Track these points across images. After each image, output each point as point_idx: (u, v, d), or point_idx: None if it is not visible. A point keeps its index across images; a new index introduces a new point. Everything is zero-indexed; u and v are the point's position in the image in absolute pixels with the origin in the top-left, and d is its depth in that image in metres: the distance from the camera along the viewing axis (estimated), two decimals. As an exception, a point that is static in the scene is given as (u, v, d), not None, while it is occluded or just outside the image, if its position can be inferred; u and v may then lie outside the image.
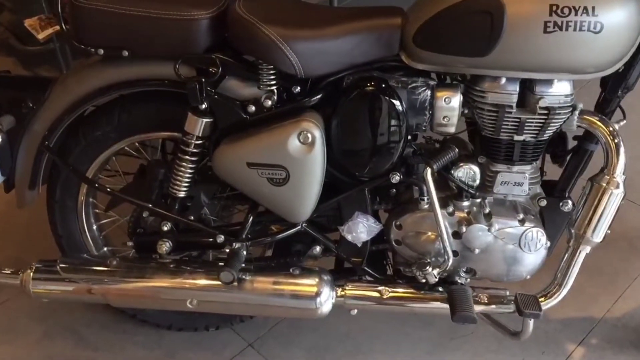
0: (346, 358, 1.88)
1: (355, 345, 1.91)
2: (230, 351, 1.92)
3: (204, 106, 1.52)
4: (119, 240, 1.92)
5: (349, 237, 1.65)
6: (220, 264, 1.66)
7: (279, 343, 1.94)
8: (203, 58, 1.51)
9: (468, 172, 1.60)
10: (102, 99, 1.62)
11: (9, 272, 1.71)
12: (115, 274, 1.65)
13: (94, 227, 1.87)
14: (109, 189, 1.69)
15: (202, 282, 1.62)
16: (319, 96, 1.55)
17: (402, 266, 1.75)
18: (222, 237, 1.64)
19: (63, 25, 1.53)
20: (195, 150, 1.60)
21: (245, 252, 1.61)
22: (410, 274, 1.73)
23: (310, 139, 1.47)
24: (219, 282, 1.60)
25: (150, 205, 1.66)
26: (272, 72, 1.52)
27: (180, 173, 1.62)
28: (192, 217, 1.69)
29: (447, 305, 1.59)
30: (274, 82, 1.54)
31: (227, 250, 1.66)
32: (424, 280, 1.63)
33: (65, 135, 1.69)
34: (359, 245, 1.67)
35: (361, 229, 1.64)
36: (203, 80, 1.49)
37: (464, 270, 1.65)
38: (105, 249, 1.90)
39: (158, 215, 1.69)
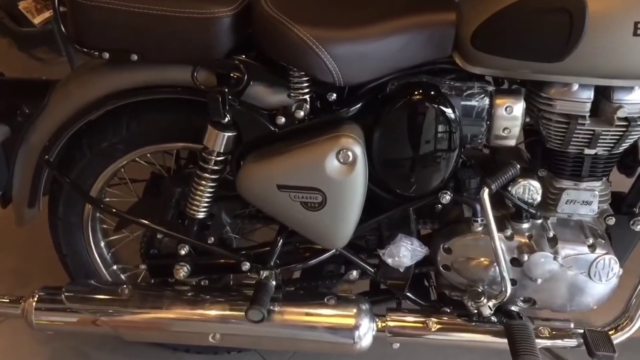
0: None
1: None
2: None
3: (226, 119, 1.31)
4: (130, 257, 1.75)
5: (390, 262, 1.46)
6: (245, 291, 1.48)
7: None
8: (225, 64, 1.29)
9: (528, 189, 1.40)
10: (108, 107, 1.41)
11: (7, 300, 1.53)
12: (127, 305, 1.46)
13: (102, 243, 1.68)
14: (118, 211, 1.48)
15: (226, 313, 1.43)
16: (358, 105, 1.34)
17: (448, 289, 1.56)
18: (248, 264, 1.45)
19: (62, 26, 1.31)
20: (216, 167, 1.39)
21: (274, 283, 1.42)
22: (457, 297, 1.55)
23: (350, 158, 1.27)
24: (242, 313, 1.41)
25: (164, 229, 1.46)
26: (304, 78, 1.31)
27: (199, 192, 1.42)
28: (212, 239, 1.50)
29: (503, 340, 1.40)
30: (306, 90, 1.32)
31: (253, 275, 1.47)
32: (475, 311, 1.45)
33: (66, 147, 1.49)
34: (401, 270, 1.48)
35: (404, 253, 1.44)
36: (226, 90, 1.28)
37: (521, 299, 1.46)
38: (114, 267, 1.72)
39: (174, 239, 1.49)
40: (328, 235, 1.36)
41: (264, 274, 1.43)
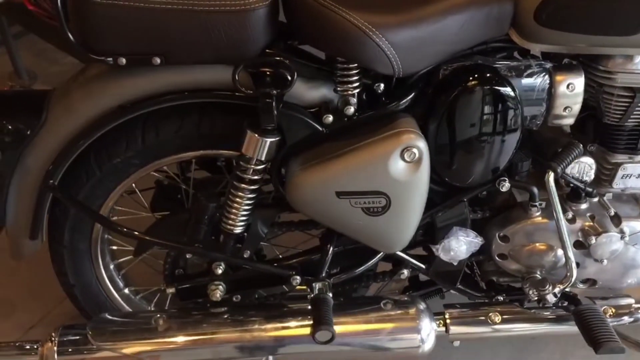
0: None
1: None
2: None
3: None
4: (137, 277, 1.58)
5: (444, 257, 1.37)
6: (290, 304, 1.35)
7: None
8: (270, 62, 1.13)
9: (583, 167, 1.33)
10: (124, 119, 1.22)
11: (20, 347, 1.33)
12: (166, 336, 1.30)
13: (111, 266, 1.50)
14: (144, 236, 1.31)
15: (280, 334, 1.30)
16: (410, 96, 1.21)
17: (496, 276, 1.49)
18: (298, 278, 1.32)
19: (67, 30, 1.10)
20: (255, 177, 1.24)
21: (331, 295, 1.29)
22: (506, 283, 1.49)
23: (416, 156, 1.15)
24: (302, 332, 1.29)
25: (201, 250, 1.30)
26: (354, 70, 1.17)
27: (236, 205, 1.27)
28: (248, 252, 1.36)
29: (570, 326, 1.35)
30: (356, 83, 1.19)
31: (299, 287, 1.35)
32: (535, 298, 1.38)
33: (70, 165, 1.29)
34: (455, 264, 1.39)
35: (461, 246, 1.35)
36: (275, 92, 1.12)
37: (580, 281, 1.41)
38: (126, 290, 1.54)
39: (209, 258, 1.34)
40: (389, 239, 1.25)
41: (317, 286, 1.30)
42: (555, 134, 1.39)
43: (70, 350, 1.31)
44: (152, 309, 1.58)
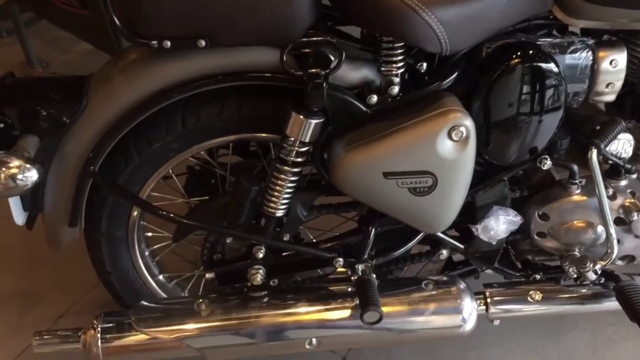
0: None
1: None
2: (322, 368, 1.63)
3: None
4: (171, 265, 1.58)
5: (484, 237, 1.37)
6: (331, 287, 1.35)
7: (374, 351, 1.66)
8: (315, 42, 1.12)
9: (622, 144, 1.33)
10: (167, 102, 1.21)
11: (63, 334, 1.32)
12: (210, 321, 1.30)
13: (147, 253, 1.50)
14: (192, 222, 1.30)
15: (323, 316, 1.30)
16: (454, 75, 1.21)
17: (531, 255, 1.49)
18: (341, 260, 1.32)
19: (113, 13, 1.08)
20: (298, 159, 1.23)
21: (374, 276, 1.29)
22: (541, 262, 1.49)
23: (464, 134, 1.14)
24: (345, 314, 1.29)
25: (244, 234, 1.30)
26: (399, 50, 1.17)
27: (278, 188, 1.26)
28: (287, 236, 1.35)
29: (610, 304, 1.36)
30: (401, 62, 1.18)
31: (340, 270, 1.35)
32: (575, 276, 1.39)
33: (108, 152, 1.28)
34: (494, 243, 1.39)
35: (501, 226, 1.35)
36: (324, 73, 1.11)
37: (619, 258, 1.41)
38: (161, 276, 1.54)
39: (252, 241, 1.33)
40: (433, 219, 1.25)
41: (360, 267, 1.30)
42: (592, 111, 1.39)
43: (113, 336, 1.30)
44: (186, 294, 1.57)
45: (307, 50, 1.13)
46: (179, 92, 1.19)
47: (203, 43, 1.10)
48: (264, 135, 1.30)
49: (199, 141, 1.29)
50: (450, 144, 1.15)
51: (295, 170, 1.25)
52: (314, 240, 1.42)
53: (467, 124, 1.14)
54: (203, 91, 1.21)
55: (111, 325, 1.31)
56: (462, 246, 1.41)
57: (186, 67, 1.18)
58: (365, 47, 1.19)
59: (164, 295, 1.53)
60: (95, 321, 1.32)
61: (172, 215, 1.27)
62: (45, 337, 1.33)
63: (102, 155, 1.25)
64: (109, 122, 1.23)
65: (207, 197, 1.42)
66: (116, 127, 1.22)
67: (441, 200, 1.21)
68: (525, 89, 1.20)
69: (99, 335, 1.30)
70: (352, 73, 1.20)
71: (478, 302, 1.38)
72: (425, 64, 1.21)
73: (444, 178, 1.18)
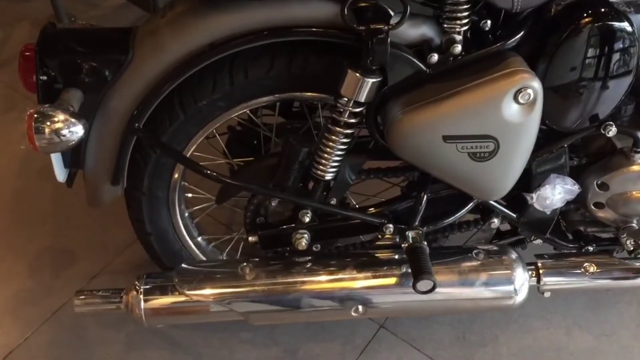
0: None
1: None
2: (361, 337, 1.59)
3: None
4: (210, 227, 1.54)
5: (539, 206, 1.32)
6: (378, 254, 1.31)
7: (413, 319, 1.63)
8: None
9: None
10: (214, 58, 1.16)
11: (106, 294, 1.30)
12: (254, 285, 1.26)
13: (186, 214, 1.46)
14: (237, 182, 1.26)
15: (370, 282, 1.27)
16: (520, 34, 1.14)
17: (583, 226, 1.44)
18: (391, 227, 1.27)
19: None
20: (351, 120, 1.18)
21: (425, 243, 1.25)
22: (593, 233, 1.44)
23: (531, 97, 1.08)
24: (394, 281, 1.25)
25: (292, 197, 1.25)
26: (463, 4, 1.10)
27: (329, 150, 1.21)
28: (334, 200, 1.31)
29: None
30: (465, 20, 1.11)
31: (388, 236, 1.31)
32: (631, 248, 1.34)
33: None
34: (548, 213, 1.34)
35: (558, 195, 1.30)
36: (387, 28, 1.05)
37: (677, 230, 1.36)
38: (200, 238, 1.50)
39: (300, 204, 1.29)
40: (491, 186, 1.20)
41: (410, 235, 1.26)
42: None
43: (155, 297, 1.27)
44: (225, 257, 1.54)
45: (367, 5, 1.07)
46: (229, 47, 1.14)
47: (254, -6, 1.05)
48: (314, 94, 1.24)
49: (246, 99, 1.24)
50: (516, 107, 1.09)
51: (348, 131, 1.19)
52: (361, 207, 1.37)
53: (535, 86, 1.08)
54: (252, 47, 1.16)
55: (154, 286, 1.28)
56: (514, 215, 1.36)
57: (237, 20, 1.12)
58: (427, 2, 1.12)
59: (202, 257, 1.50)
60: (137, 282, 1.29)
61: (218, 175, 1.22)
62: (86, 296, 1.30)
63: (148, 111, 1.20)
64: (155, 77, 1.18)
65: (250, 158, 1.38)
66: (163, 83, 1.17)
67: (501, 166, 1.15)
68: (596, 50, 1.13)
69: (141, 296, 1.27)
70: (412, 30, 1.13)
71: (530, 272, 1.33)
72: (489, 22, 1.15)
73: (506, 143, 1.12)
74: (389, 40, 1.05)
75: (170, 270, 1.46)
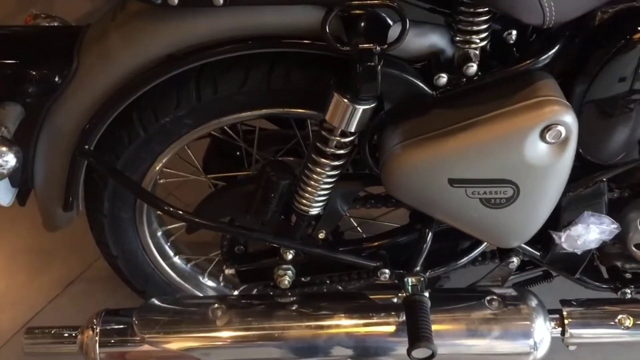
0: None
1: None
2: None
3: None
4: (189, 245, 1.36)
5: (568, 246, 1.10)
6: (371, 295, 1.12)
7: None
8: (369, 6, 0.83)
9: None
10: (176, 71, 0.95)
11: (57, 332, 1.13)
12: (226, 332, 1.08)
13: (159, 233, 1.28)
14: (197, 219, 1.06)
15: (361, 331, 1.08)
16: (555, 49, 0.90)
17: (620, 261, 1.22)
18: (388, 272, 1.07)
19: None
20: (340, 151, 0.97)
21: (427, 295, 1.05)
22: (633, 270, 1.22)
23: (562, 135, 0.86)
24: (390, 330, 1.07)
25: (267, 237, 1.06)
26: (483, 16, 0.86)
27: (313, 183, 1.01)
28: (323, 233, 1.11)
29: None
30: (483, 34, 0.88)
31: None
32: (677, 296, 1.12)
33: (109, 124, 1.03)
34: (579, 253, 1.12)
35: (591, 235, 1.08)
36: (379, 49, 0.83)
37: None
38: (176, 258, 1.33)
39: (277, 245, 1.10)
40: (508, 234, 0.98)
41: (410, 281, 1.06)
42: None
43: (113, 340, 1.11)
44: (207, 279, 1.37)
45: (357, 17, 0.84)
46: (191, 60, 0.93)
47: (221, 1, 0.83)
48: (300, 110, 1.03)
49: (217, 116, 1.04)
50: (543, 147, 0.87)
51: (336, 163, 0.98)
52: (354, 240, 1.16)
53: (568, 122, 0.85)
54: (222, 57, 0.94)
55: (112, 327, 1.11)
56: (537, 253, 1.14)
57: (201, 27, 0.91)
58: (437, 8, 0.89)
59: (178, 279, 1.32)
60: (95, 320, 1.12)
61: (180, 212, 1.03)
62: (37, 335, 1.14)
63: (98, 132, 1.01)
64: (105, 92, 0.98)
65: (228, 174, 1.19)
66: (114, 99, 0.98)
67: (521, 213, 0.94)
68: (644, 71, 0.89)
69: (97, 338, 1.10)
70: (418, 41, 0.90)
71: (553, 323, 1.13)
72: (514, 32, 0.91)
73: (528, 188, 0.90)
74: (380, 68, 0.82)
75: (142, 293, 1.33)
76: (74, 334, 1.13)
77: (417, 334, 0.97)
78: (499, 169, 0.88)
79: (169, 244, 1.30)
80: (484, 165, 0.88)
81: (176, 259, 1.32)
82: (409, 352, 0.97)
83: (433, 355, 0.98)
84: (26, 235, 1.67)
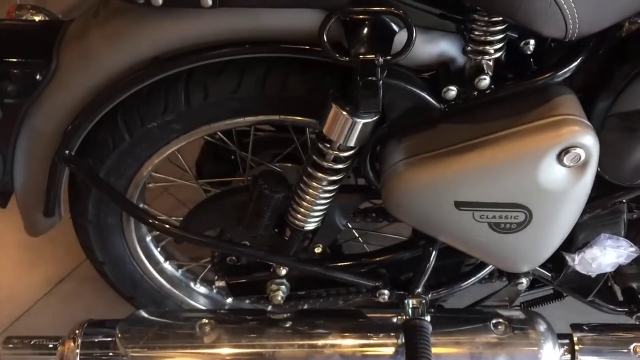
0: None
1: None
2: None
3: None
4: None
5: (582, 269, 1.03)
6: (369, 314, 1.05)
7: None
8: (371, 9, 0.75)
9: None
10: (156, 77, 0.88)
11: (39, 342, 1.08)
12: (214, 349, 1.02)
13: (148, 238, 1.21)
14: (184, 234, 1.00)
15: (362, 351, 1.01)
16: (577, 62, 0.82)
17: (636, 282, 1.15)
18: (387, 293, 1.00)
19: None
20: (338, 166, 0.89)
21: (429, 319, 0.98)
22: (648, 293, 1.15)
23: (581, 158, 0.78)
24: (387, 352, 1.00)
25: (260, 254, 0.99)
26: (499, 25, 0.78)
27: (309, 198, 0.93)
28: (320, 247, 1.04)
29: None
30: (498, 45, 0.80)
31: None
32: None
33: (93, 127, 0.96)
34: (593, 276, 1.05)
35: (607, 258, 1.01)
36: (382, 60, 0.75)
37: None
38: (166, 264, 1.26)
39: (270, 262, 1.03)
40: (519, 260, 0.91)
41: (411, 304, 0.99)
42: None
43: (94, 353, 1.05)
44: (199, 286, 1.30)
45: (359, 23, 0.76)
46: (182, 63, 0.85)
47: (209, 2, 0.75)
48: (297, 118, 0.96)
49: (208, 121, 0.96)
50: (560, 171, 0.79)
51: (333, 178, 0.91)
52: (352, 256, 1.09)
53: (589, 144, 0.77)
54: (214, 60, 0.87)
55: (94, 339, 1.05)
56: (548, 274, 1.07)
57: (189, 29, 0.83)
58: (448, 14, 0.81)
59: (168, 286, 1.26)
60: (77, 331, 1.06)
61: (167, 226, 0.96)
62: (16, 345, 1.09)
63: (80, 135, 0.94)
64: (85, 94, 0.91)
65: (220, 179, 1.12)
66: (96, 102, 0.90)
67: (533, 239, 0.87)
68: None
69: (78, 350, 1.05)
70: (425, 49, 0.83)
71: (562, 350, 1.06)
72: (532, 42, 0.83)
73: (542, 214, 0.83)
74: (381, 83, 0.74)
75: (131, 300, 1.27)
76: (54, 345, 1.07)
77: (416, 352, 0.90)
78: (511, 193, 0.81)
79: (159, 249, 1.24)
80: (495, 188, 0.81)
81: (166, 265, 1.26)
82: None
83: (434, 379, 0.91)
84: (16, 229, 1.62)
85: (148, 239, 1.21)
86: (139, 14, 0.84)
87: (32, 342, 1.09)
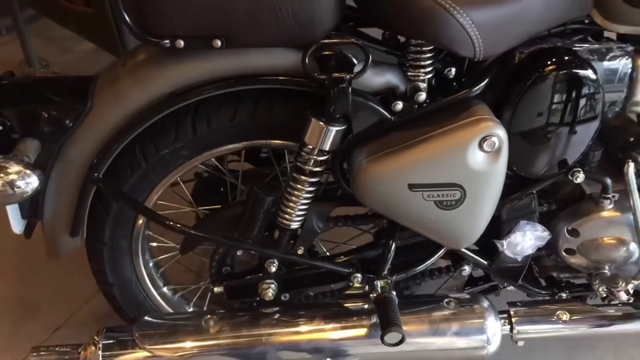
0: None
1: None
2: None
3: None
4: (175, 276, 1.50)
5: (509, 252, 1.30)
6: (346, 304, 1.28)
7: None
8: (339, 44, 1.05)
9: (655, 156, 1.26)
10: (175, 107, 1.14)
11: (62, 350, 1.24)
12: (219, 338, 1.22)
13: (151, 264, 1.42)
14: (200, 234, 1.23)
15: (338, 334, 1.23)
16: (485, 81, 1.13)
17: (556, 272, 1.42)
18: (359, 276, 1.24)
19: (122, 10, 1.01)
20: (317, 168, 1.16)
21: (395, 293, 1.22)
22: (566, 279, 1.42)
23: (496, 145, 1.07)
24: (363, 333, 1.22)
25: (256, 248, 1.22)
26: (428, 54, 1.09)
27: (294, 198, 1.19)
28: (302, 249, 1.28)
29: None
30: (428, 68, 1.11)
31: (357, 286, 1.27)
32: (604, 295, 1.31)
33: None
34: (519, 259, 1.32)
35: (528, 241, 1.28)
36: (349, 77, 1.04)
37: (651, 276, 1.34)
38: (165, 288, 1.46)
39: (265, 255, 1.26)
40: (459, 234, 1.18)
41: (379, 284, 1.23)
42: (622, 122, 1.32)
43: (115, 353, 1.22)
44: (192, 309, 1.49)
45: (330, 53, 1.06)
46: (191, 96, 1.12)
47: (219, 43, 1.03)
48: (279, 142, 1.22)
49: (209, 147, 1.22)
50: (481, 155, 1.08)
51: (313, 180, 1.17)
52: (329, 254, 1.34)
53: (500, 134, 1.07)
54: (215, 95, 1.14)
55: (113, 341, 1.23)
56: (485, 262, 1.33)
57: (199, 69, 1.10)
58: (390, 50, 1.11)
59: (168, 308, 1.45)
60: (96, 337, 1.23)
61: (180, 226, 1.19)
62: (42, 353, 1.25)
63: (107, 161, 1.17)
64: (115, 127, 1.15)
65: (216, 206, 1.35)
66: (123, 132, 1.15)
67: (469, 214, 1.13)
68: (561, 97, 1.12)
69: (100, 352, 1.21)
70: (376, 78, 1.12)
71: (502, 321, 1.30)
72: (454, 69, 1.14)
73: (472, 191, 1.11)
74: (350, 90, 1.03)
75: (133, 322, 1.43)
76: (78, 350, 1.24)
77: (387, 321, 1.13)
78: (448, 174, 1.09)
79: (159, 274, 1.44)
80: (436, 172, 1.09)
81: (165, 289, 1.45)
82: (382, 337, 1.13)
83: (403, 338, 1.13)
84: (11, 284, 1.77)
85: (150, 264, 1.41)
86: (161, 58, 1.11)
87: (57, 349, 1.25)
